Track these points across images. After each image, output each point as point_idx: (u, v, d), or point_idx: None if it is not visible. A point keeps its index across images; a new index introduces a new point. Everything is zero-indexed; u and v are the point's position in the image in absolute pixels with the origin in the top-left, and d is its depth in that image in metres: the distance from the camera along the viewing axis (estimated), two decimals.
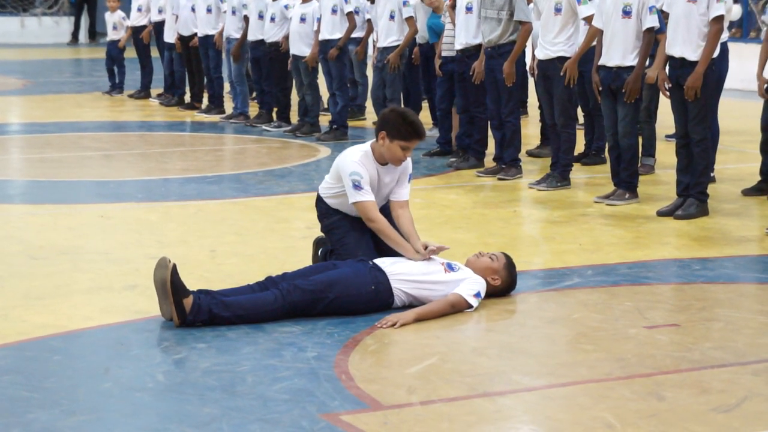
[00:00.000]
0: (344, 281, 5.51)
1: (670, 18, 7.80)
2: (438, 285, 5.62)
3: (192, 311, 5.30)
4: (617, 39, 8.16)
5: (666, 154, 9.51)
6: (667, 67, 7.84)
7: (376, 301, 5.55)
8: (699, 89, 7.63)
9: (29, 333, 5.29)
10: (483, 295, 5.66)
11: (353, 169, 5.90)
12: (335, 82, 11.38)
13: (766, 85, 8.12)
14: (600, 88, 8.30)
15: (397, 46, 11.04)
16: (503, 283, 5.80)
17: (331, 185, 6.12)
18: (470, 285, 5.63)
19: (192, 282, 6.14)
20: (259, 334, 5.26)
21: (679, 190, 7.96)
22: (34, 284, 6.16)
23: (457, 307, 5.55)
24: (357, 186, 5.87)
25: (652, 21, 8.07)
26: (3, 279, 6.29)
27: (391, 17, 11.06)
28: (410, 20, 11.03)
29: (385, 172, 6.00)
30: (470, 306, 5.57)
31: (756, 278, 6.59)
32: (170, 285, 5.28)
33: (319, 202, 6.22)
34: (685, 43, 7.68)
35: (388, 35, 11.11)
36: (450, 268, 5.71)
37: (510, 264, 5.86)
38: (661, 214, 7.89)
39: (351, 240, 6.03)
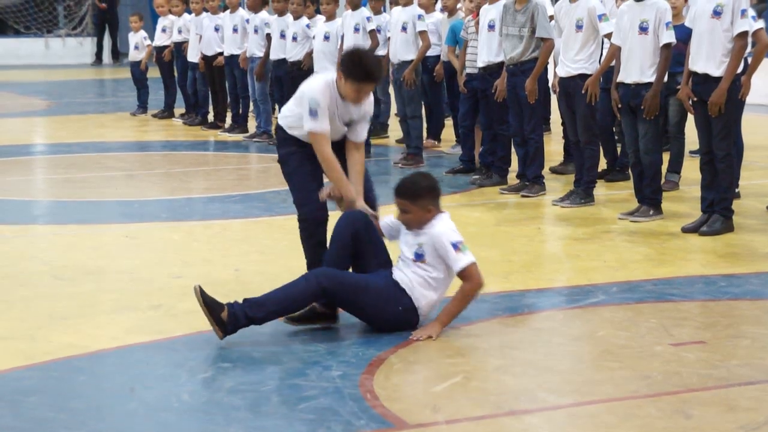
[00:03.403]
0: (375, 290, 5.50)
1: (693, 34, 7.77)
2: (437, 280, 5.58)
3: (230, 321, 5.34)
4: (635, 55, 8.15)
5: (690, 170, 9.48)
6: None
7: (403, 321, 5.54)
8: (723, 105, 7.61)
9: (54, 353, 5.31)
10: (459, 236, 5.57)
11: (313, 96, 5.84)
12: None
13: None
14: (619, 106, 8.28)
15: (410, 61, 11.01)
16: (430, 199, 5.63)
17: (291, 111, 6.04)
18: (450, 255, 5.51)
19: None
20: (284, 353, 5.27)
21: (703, 207, 7.93)
22: (59, 304, 6.19)
23: (470, 290, 5.53)
24: (313, 113, 5.81)
25: (669, 37, 8.05)
26: (28, 299, 6.32)
27: (404, 29, 11.03)
28: (424, 34, 11.00)
29: (345, 106, 5.91)
30: (472, 261, 5.51)
31: None
32: (204, 306, 5.32)
33: (278, 129, 6.15)
34: (708, 58, 7.66)
35: (401, 49, 11.07)
36: (418, 257, 5.57)
37: (413, 182, 5.68)
38: (686, 230, 7.85)
39: (303, 173, 5.98)
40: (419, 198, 5.57)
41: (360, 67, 5.78)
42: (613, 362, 5.12)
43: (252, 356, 5.24)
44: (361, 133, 6.05)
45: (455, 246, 5.51)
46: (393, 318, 5.53)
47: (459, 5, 11.75)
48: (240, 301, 5.40)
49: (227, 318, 5.35)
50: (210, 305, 5.34)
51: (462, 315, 5.80)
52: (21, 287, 6.60)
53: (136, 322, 5.85)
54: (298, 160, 6.00)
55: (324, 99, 5.83)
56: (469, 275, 5.52)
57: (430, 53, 11.31)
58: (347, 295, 5.48)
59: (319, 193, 5.88)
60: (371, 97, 6.06)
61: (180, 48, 15.01)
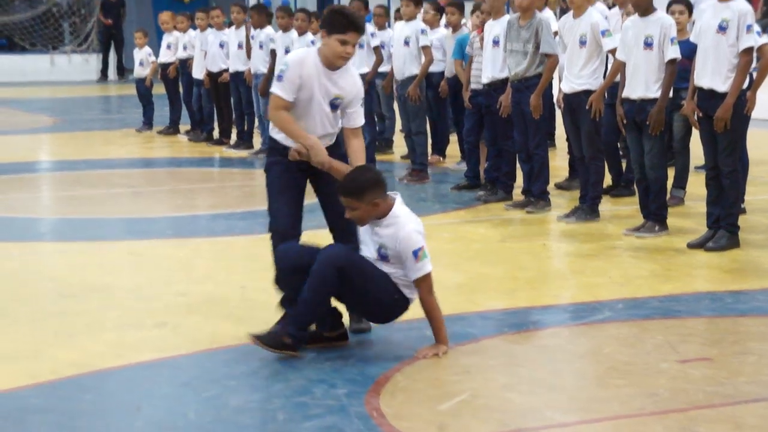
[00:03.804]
0: (380, 273, 5.47)
1: (699, 49, 7.78)
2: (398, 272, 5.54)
3: (295, 341, 5.40)
4: (640, 71, 8.15)
5: (696, 185, 9.47)
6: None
7: (396, 308, 5.55)
8: (728, 121, 7.61)
9: (60, 372, 5.32)
10: (421, 240, 5.47)
11: (284, 60, 5.78)
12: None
13: None
14: (624, 121, 8.29)
15: (414, 76, 11.02)
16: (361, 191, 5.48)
17: None
18: (408, 264, 5.45)
19: (222, 318, 6.20)
20: (290, 371, 5.26)
21: (709, 222, 7.92)
22: (64, 322, 6.19)
23: (423, 298, 5.49)
24: (279, 77, 5.70)
25: (674, 52, 8.05)
26: (34, 317, 6.33)
27: (406, 43, 11.04)
28: (426, 49, 11.00)
29: (331, 79, 5.74)
30: (427, 272, 5.43)
31: None
32: (269, 348, 5.38)
33: (270, 140, 5.97)
34: (714, 74, 7.66)
35: (404, 65, 11.06)
36: (382, 257, 5.52)
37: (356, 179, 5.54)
38: (691, 246, 7.85)
39: (279, 184, 5.81)
40: (364, 194, 5.47)
41: (341, 17, 5.69)
42: (619, 379, 5.11)
43: (258, 374, 5.25)
44: (357, 118, 5.87)
45: (416, 254, 5.43)
46: (390, 304, 5.53)
47: (464, 21, 11.78)
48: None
49: (291, 340, 5.38)
50: (273, 344, 5.37)
51: (467, 332, 5.81)
52: (27, 305, 6.62)
53: (141, 339, 5.85)
54: (278, 171, 5.84)
55: (297, 68, 5.67)
56: (419, 284, 5.47)
57: (434, 69, 11.31)
58: (359, 274, 5.42)
59: (289, 155, 5.71)
60: (358, 79, 5.94)
61: (185, 64, 15.04)
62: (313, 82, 5.72)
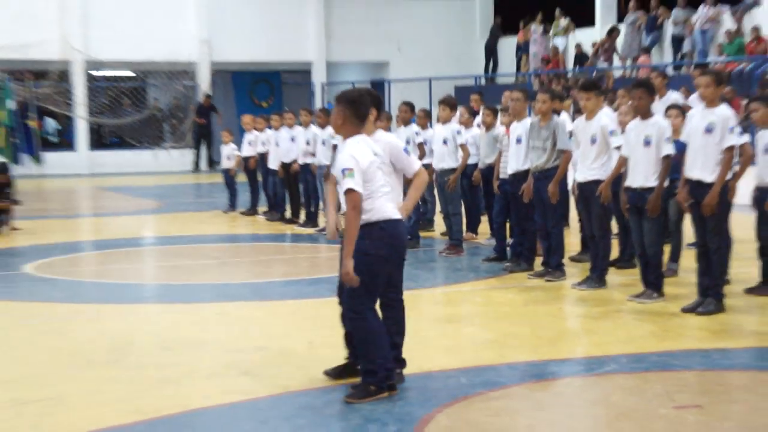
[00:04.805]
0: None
1: (689, 147, 7.81)
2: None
3: (380, 387, 5.46)
4: (640, 165, 8.17)
5: (688, 259, 9.41)
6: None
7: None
8: (715, 206, 7.61)
9: (162, 411, 5.37)
10: (350, 162, 5.34)
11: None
12: None
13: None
14: (627, 206, 8.30)
15: (450, 168, 11.10)
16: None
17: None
18: (339, 180, 5.38)
19: (294, 368, 6.21)
20: (349, 412, 5.28)
21: (699, 291, 7.87)
22: (165, 370, 6.25)
23: (349, 216, 5.33)
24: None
25: (669, 149, 8.08)
26: (141, 365, 6.40)
27: (444, 143, 11.16)
28: (464, 146, 11.11)
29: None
30: (348, 188, 5.30)
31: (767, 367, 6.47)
32: (367, 399, 5.41)
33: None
34: (703, 168, 7.68)
35: (442, 159, 11.17)
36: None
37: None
38: (684, 310, 7.79)
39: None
40: (338, 102, 5.49)
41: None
42: (625, 422, 5.08)
43: (321, 414, 5.26)
44: (411, 166, 5.77)
45: (343, 172, 5.35)
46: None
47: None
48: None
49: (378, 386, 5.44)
50: (364, 394, 5.41)
51: (497, 381, 5.78)
52: (134, 355, 6.69)
53: (228, 385, 5.88)
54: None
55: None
56: (345, 198, 5.34)
57: (468, 161, 11.39)
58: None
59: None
60: (388, 134, 5.90)
61: (263, 157, 15.20)
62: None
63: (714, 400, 5.49)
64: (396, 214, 5.50)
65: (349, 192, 5.32)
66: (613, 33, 22.22)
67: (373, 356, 5.45)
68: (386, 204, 5.48)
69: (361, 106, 5.51)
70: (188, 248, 12.22)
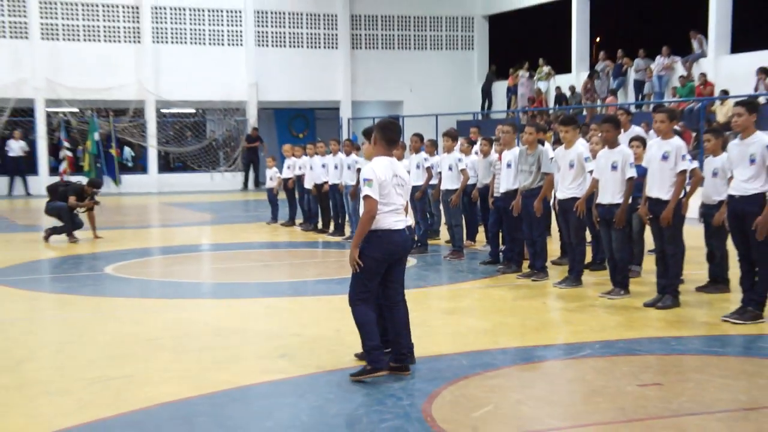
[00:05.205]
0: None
1: (649, 171, 7.77)
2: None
3: (381, 365, 5.39)
4: (608, 185, 8.14)
5: (649, 263, 9.34)
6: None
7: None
8: (670, 219, 7.55)
9: (216, 387, 5.36)
10: (371, 174, 5.31)
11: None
12: (419, 215, 11.50)
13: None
14: (598, 219, 8.25)
15: (453, 188, 11.09)
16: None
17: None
18: (361, 187, 5.39)
19: (324, 352, 6.17)
20: (370, 389, 5.24)
21: (658, 289, 7.81)
22: (217, 353, 6.24)
23: (363, 217, 5.32)
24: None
25: (632, 172, 8.04)
26: (198, 349, 6.39)
27: (450, 169, 11.16)
28: (464, 171, 11.11)
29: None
30: (366, 194, 5.29)
31: (715, 351, 6.37)
32: (367, 376, 5.35)
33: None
34: (660, 188, 7.64)
35: (447, 181, 11.19)
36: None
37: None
38: (646, 305, 7.73)
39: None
40: (371, 133, 5.49)
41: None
42: (597, 398, 5.03)
43: (347, 391, 5.23)
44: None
45: (365, 181, 5.35)
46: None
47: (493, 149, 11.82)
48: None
49: (372, 365, 5.36)
50: (362, 371, 5.35)
51: (491, 363, 5.73)
52: (192, 341, 6.68)
53: (269, 366, 5.87)
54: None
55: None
56: (364, 203, 5.35)
57: (468, 182, 11.36)
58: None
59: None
60: (400, 163, 5.81)
61: (300, 179, 15.22)
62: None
63: (672, 380, 5.43)
64: (395, 225, 5.44)
65: (367, 198, 5.34)
66: (592, 76, 22.33)
67: (363, 340, 5.43)
68: (388, 217, 5.43)
69: (391, 132, 5.51)
70: (237, 253, 12.24)
